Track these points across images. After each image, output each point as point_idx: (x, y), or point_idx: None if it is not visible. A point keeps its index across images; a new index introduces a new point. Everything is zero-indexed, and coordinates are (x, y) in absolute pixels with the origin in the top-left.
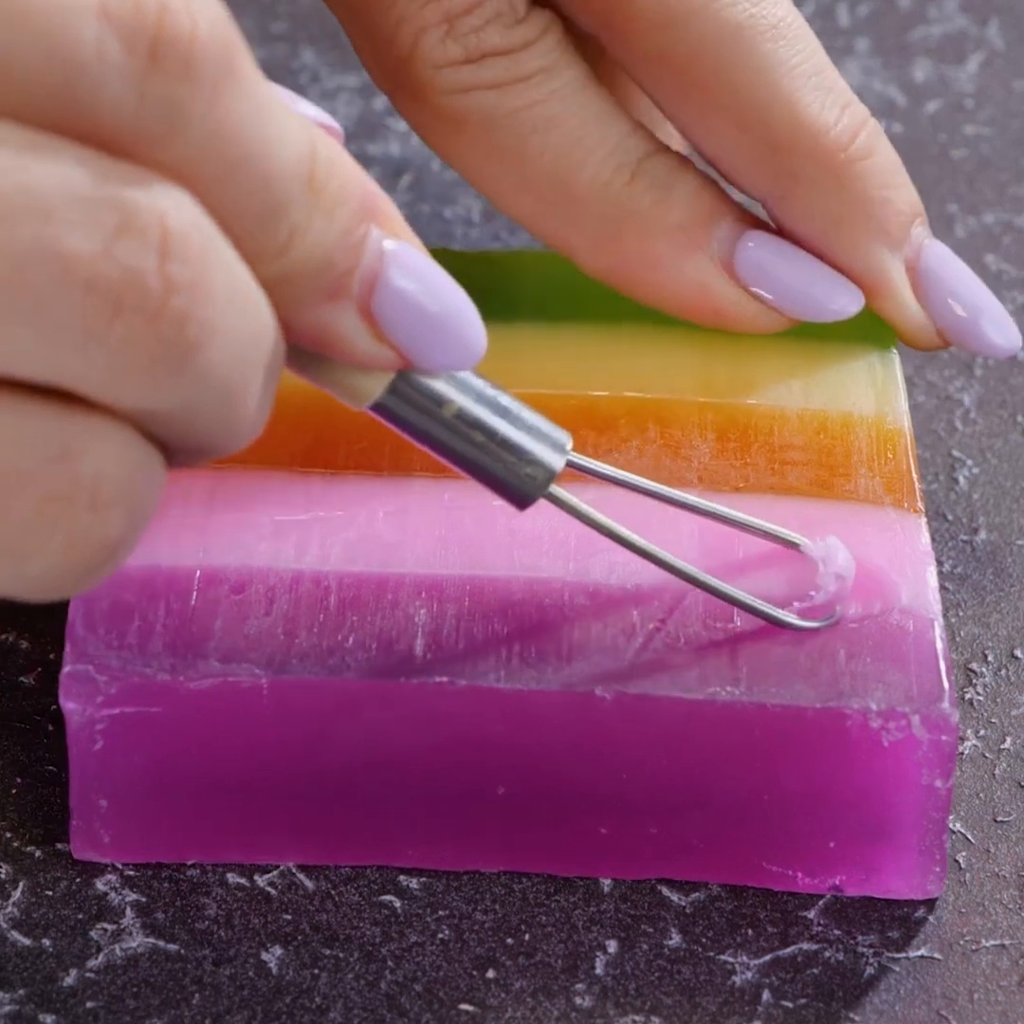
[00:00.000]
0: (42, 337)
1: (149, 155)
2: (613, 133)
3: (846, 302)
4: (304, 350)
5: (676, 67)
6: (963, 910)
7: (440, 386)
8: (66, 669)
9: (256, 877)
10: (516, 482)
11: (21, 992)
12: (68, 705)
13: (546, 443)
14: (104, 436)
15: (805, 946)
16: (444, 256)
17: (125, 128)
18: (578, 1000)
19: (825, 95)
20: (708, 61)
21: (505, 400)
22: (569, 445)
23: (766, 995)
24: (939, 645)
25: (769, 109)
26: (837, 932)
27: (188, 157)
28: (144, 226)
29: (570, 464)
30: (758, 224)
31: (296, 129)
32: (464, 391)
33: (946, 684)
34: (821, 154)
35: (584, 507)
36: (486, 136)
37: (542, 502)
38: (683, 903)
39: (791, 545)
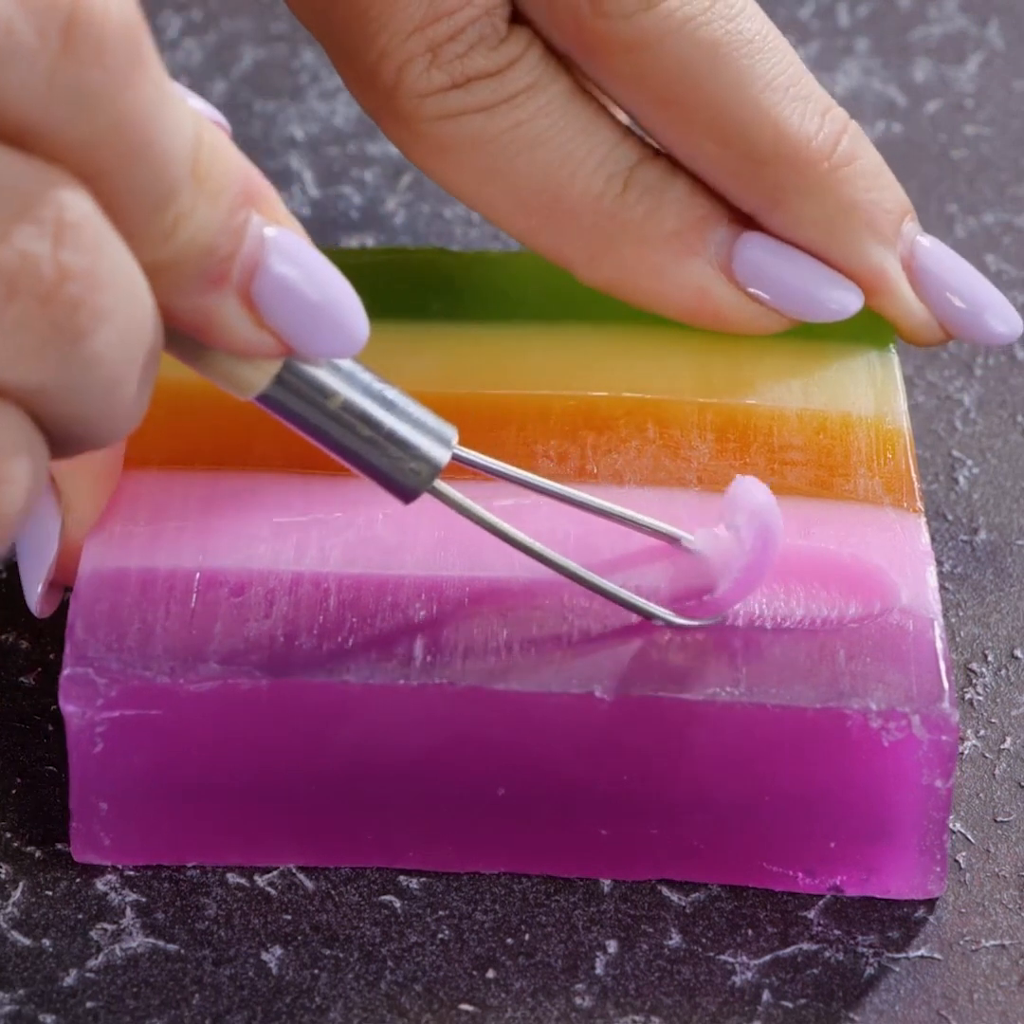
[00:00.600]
0: None
1: (52, 138)
2: (602, 144)
3: (846, 301)
4: (191, 339)
5: (653, 87)
6: (963, 910)
7: (326, 378)
8: (66, 672)
9: (256, 877)
10: (401, 476)
11: (21, 992)
12: (68, 708)
13: (432, 437)
14: None
15: (805, 946)
16: (444, 256)
17: (30, 112)
18: (578, 1000)
19: (804, 104)
20: (686, 81)
21: (391, 394)
22: (455, 440)
23: (766, 995)
24: (939, 645)
25: (750, 124)
26: (837, 932)
27: (90, 142)
28: (41, 215)
29: (456, 458)
30: (754, 225)
31: (185, 116)
32: (350, 384)
33: (946, 684)
34: (805, 164)
35: (468, 503)
36: (476, 159)
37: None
38: (683, 903)
39: (675, 541)
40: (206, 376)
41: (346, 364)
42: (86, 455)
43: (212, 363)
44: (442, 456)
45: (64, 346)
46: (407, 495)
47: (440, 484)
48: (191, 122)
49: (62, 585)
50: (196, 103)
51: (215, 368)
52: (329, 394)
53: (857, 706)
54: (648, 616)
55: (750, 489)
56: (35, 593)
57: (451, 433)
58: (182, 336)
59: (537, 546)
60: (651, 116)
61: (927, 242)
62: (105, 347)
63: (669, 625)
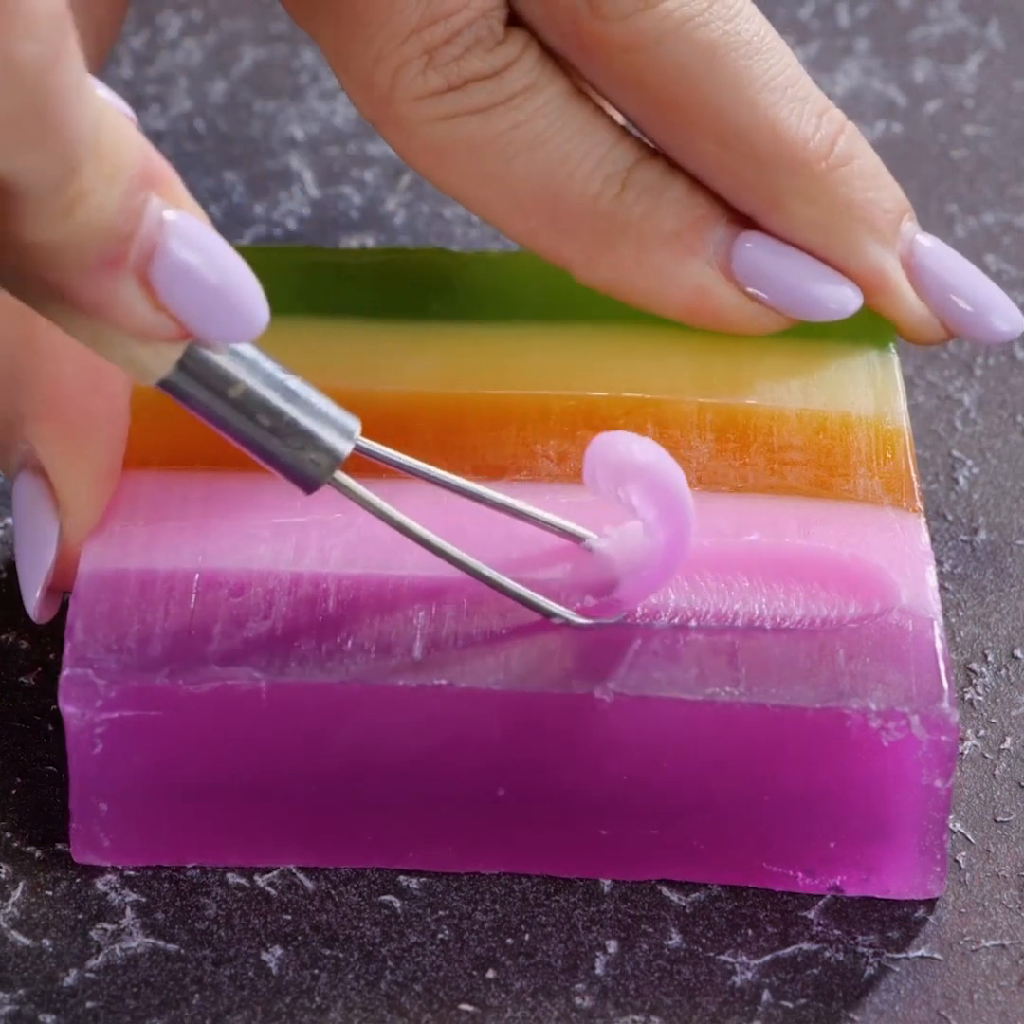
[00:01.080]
0: None
1: None
2: (600, 144)
3: (845, 300)
4: (95, 324)
5: (651, 89)
6: (963, 910)
7: (228, 366)
8: (65, 673)
9: (256, 877)
10: (301, 467)
11: (21, 992)
12: (67, 709)
13: (334, 429)
14: None
15: (805, 946)
16: (444, 256)
17: None
18: (578, 1000)
19: (802, 105)
20: (683, 82)
21: (294, 384)
22: (357, 431)
23: (766, 995)
24: (938, 645)
25: (748, 125)
26: (837, 932)
27: (9, 118)
28: None
29: (359, 449)
30: (752, 224)
31: (92, 98)
32: (253, 373)
33: (945, 684)
34: (803, 165)
35: (368, 495)
36: (473, 161)
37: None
38: (683, 903)
39: (579, 540)
40: (110, 361)
41: (249, 353)
42: (85, 459)
43: (114, 347)
44: (343, 448)
45: None
46: (307, 486)
47: (340, 475)
48: (97, 104)
49: (60, 590)
50: (101, 91)
51: (117, 352)
52: (231, 382)
53: (857, 706)
54: (547, 614)
55: (647, 461)
56: (33, 598)
57: (353, 424)
58: (85, 320)
59: (437, 541)
60: (649, 117)
61: (926, 241)
62: None
63: (568, 624)
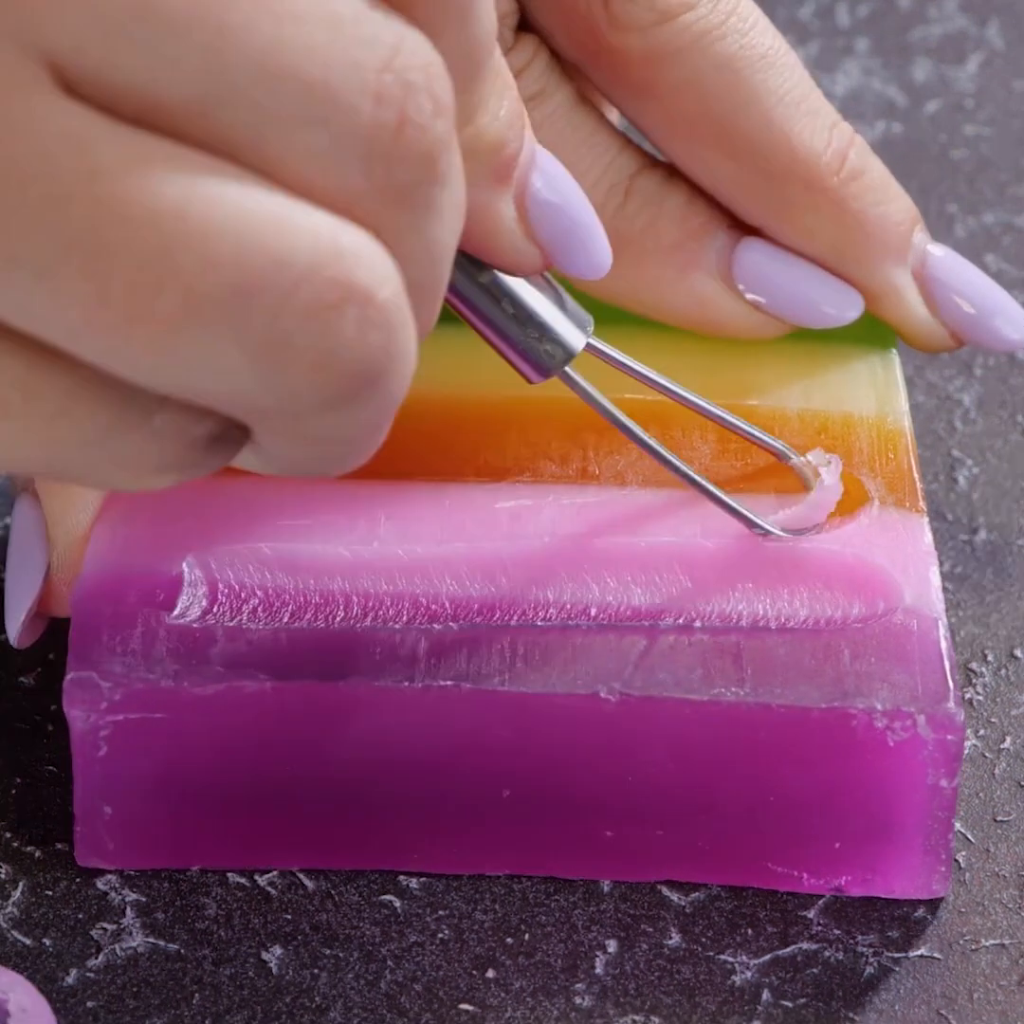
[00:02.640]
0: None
1: None
2: (604, 153)
3: (845, 306)
4: None
5: (665, 101)
6: (963, 910)
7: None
8: (69, 676)
9: (256, 877)
10: (536, 356)
11: None
12: (72, 711)
13: (572, 323)
14: None
15: (805, 946)
16: None
17: None
18: (578, 1000)
19: (814, 119)
20: (698, 94)
21: (537, 281)
22: (590, 328)
23: (766, 995)
24: (943, 644)
25: (763, 139)
26: (837, 932)
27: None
28: (410, 67)
29: (589, 347)
30: (753, 231)
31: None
32: None
33: (951, 683)
34: (816, 180)
35: (594, 392)
36: None
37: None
38: (683, 903)
39: (784, 457)
40: None
41: None
42: (76, 497)
43: None
44: (578, 343)
45: (424, 197)
46: (539, 374)
47: (570, 370)
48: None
49: (45, 617)
50: None
51: None
52: (483, 268)
53: (862, 706)
54: (750, 525)
55: None
56: (17, 623)
57: (588, 320)
58: None
59: (657, 446)
60: (661, 128)
61: (938, 251)
62: (443, 220)
63: (767, 535)
